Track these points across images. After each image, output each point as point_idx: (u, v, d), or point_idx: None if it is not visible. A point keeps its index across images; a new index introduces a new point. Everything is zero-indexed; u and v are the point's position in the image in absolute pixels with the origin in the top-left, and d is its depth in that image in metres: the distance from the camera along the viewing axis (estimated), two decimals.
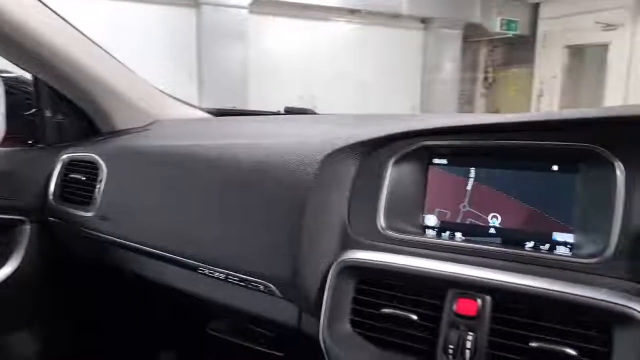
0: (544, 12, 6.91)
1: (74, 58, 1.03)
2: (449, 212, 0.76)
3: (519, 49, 7.26)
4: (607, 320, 0.54)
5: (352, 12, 6.15)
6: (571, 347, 0.54)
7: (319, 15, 5.98)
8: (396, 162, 0.76)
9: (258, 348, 0.85)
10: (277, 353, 0.84)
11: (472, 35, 7.09)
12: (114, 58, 1.15)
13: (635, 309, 0.53)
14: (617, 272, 0.57)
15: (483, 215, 0.73)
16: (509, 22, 6.93)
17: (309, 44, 5.95)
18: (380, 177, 0.75)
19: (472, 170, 0.75)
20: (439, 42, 6.68)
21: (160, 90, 1.29)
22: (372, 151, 0.78)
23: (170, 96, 1.31)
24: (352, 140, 0.77)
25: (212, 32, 5.22)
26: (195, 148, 0.90)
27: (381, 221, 0.73)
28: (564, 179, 0.68)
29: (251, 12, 5.38)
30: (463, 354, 0.58)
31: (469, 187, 0.75)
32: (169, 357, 1.06)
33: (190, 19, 5.25)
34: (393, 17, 6.36)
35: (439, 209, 0.76)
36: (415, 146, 0.75)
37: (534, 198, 0.70)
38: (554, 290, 0.57)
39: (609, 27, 5.83)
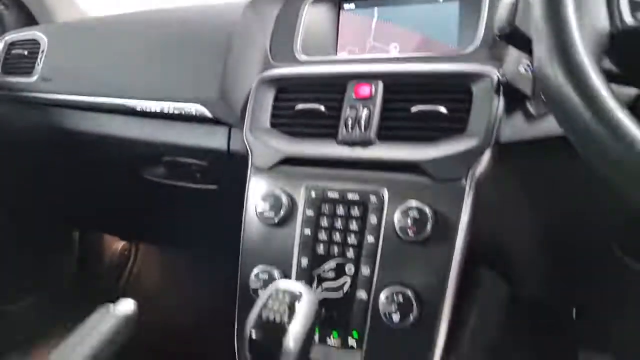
0: None
1: None
2: (358, 48, 0.88)
3: None
4: (468, 82, 0.67)
5: None
6: (442, 106, 0.68)
7: None
8: (311, 5, 0.88)
9: (193, 186, 0.94)
10: (211, 187, 0.94)
11: None
12: None
13: (486, 69, 0.67)
14: (480, 56, 0.71)
15: (385, 47, 0.86)
16: None
17: None
18: (297, 17, 0.87)
19: (376, 10, 0.87)
20: None
21: None
22: None
23: None
24: None
25: None
26: (128, 15, 1.00)
27: (298, 50, 0.84)
28: (448, 8, 0.82)
29: None
30: (359, 125, 0.71)
31: (373, 25, 0.87)
32: (111, 207, 1.14)
33: None
34: None
35: (349, 47, 0.89)
36: None
37: (425, 27, 0.84)
38: (429, 69, 0.71)
39: None
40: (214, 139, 0.86)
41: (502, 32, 0.58)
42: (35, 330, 1.15)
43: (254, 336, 0.45)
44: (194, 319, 1.26)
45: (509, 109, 0.67)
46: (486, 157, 0.65)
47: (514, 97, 0.66)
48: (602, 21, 0.43)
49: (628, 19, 0.42)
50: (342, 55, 0.88)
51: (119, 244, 1.34)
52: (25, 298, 1.24)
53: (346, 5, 0.89)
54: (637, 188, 0.38)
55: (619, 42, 0.43)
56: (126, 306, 0.46)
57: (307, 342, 0.46)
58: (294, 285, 0.49)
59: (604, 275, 0.86)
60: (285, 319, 0.45)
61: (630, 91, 0.58)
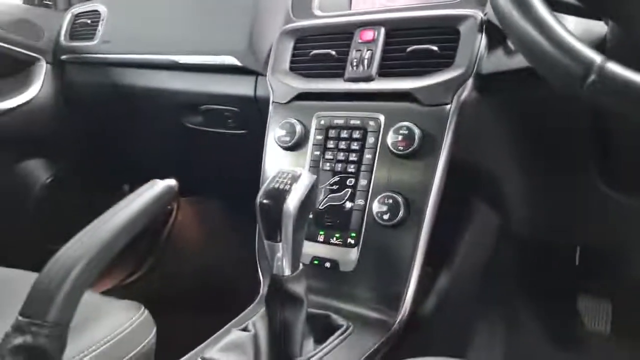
0: None
1: None
2: (370, 3, 1.00)
3: None
4: (456, 24, 0.78)
5: None
6: (434, 45, 0.79)
7: None
8: None
9: (226, 131, 1.09)
10: (241, 131, 1.08)
11: None
12: None
13: (471, 11, 0.77)
14: (469, 2, 0.82)
15: (393, 3, 0.98)
16: None
17: None
18: None
19: None
20: None
21: None
22: None
23: None
24: None
25: None
26: None
27: (315, 7, 0.97)
28: None
29: None
30: (363, 63, 0.83)
31: None
32: (157, 159, 1.31)
33: None
34: None
35: (361, 5, 1.01)
36: None
37: None
38: (424, 14, 0.82)
39: None
40: (243, 87, 1.01)
41: None
42: None
43: (263, 201, 0.58)
44: (230, 268, 1.41)
45: (491, 45, 0.77)
46: (469, 84, 0.75)
47: (495, 35, 0.76)
48: None
49: None
50: (353, 9, 1.00)
51: None
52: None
53: None
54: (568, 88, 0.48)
55: None
56: (169, 182, 0.59)
57: (304, 207, 0.59)
58: (296, 168, 0.62)
59: (591, 210, 0.94)
60: (287, 188, 0.58)
61: (600, 30, 0.66)
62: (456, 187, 0.76)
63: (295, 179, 0.60)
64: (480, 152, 0.86)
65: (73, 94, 1.30)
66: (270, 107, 0.90)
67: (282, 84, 0.89)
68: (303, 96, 0.87)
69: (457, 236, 0.91)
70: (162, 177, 1.40)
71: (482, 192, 0.92)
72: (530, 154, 0.87)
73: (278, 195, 0.58)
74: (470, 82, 0.75)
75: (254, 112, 1.01)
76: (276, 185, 0.59)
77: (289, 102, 0.88)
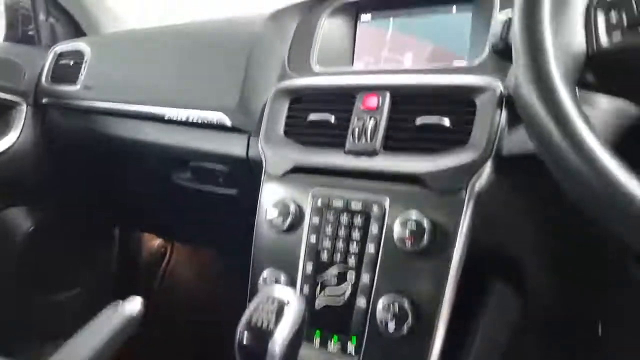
0: None
1: None
2: (373, 58, 0.90)
3: None
4: (472, 95, 0.68)
5: None
6: (446, 118, 0.69)
7: None
8: (329, 17, 0.91)
9: (216, 189, 1.00)
10: (231, 191, 0.99)
11: None
12: None
13: (489, 82, 0.67)
14: (487, 68, 0.72)
15: (399, 57, 0.88)
16: None
17: None
18: (315, 29, 0.90)
19: (391, 21, 0.89)
20: None
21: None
22: (309, 9, 0.93)
23: None
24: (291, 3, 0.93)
25: None
26: (160, 29, 1.07)
27: (314, 61, 0.88)
28: (460, 18, 0.83)
29: None
30: (366, 135, 0.73)
31: (388, 36, 0.89)
32: (147, 207, 1.23)
33: None
34: None
35: (365, 57, 0.91)
36: (342, 2, 0.90)
37: (438, 37, 0.85)
38: (435, 82, 0.72)
39: None
40: (235, 146, 0.91)
41: (495, 47, 0.59)
42: (79, 320, 1.26)
43: (243, 340, 0.49)
44: (219, 313, 1.33)
45: (512, 122, 0.67)
46: (487, 169, 0.66)
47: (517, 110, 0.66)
48: (578, 42, 0.44)
49: (604, 40, 0.43)
50: (355, 66, 0.90)
51: (156, 241, 1.43)
52: (71, 289, 1.35)
53: (363, 17, 0.92)
54: (594, 206, 0.39)
55: (595, 62, 0.44)
56: (133, 305, 0.50)
57: (292, 347, 0.49)
58: (283, 292, 0.52)
59: (621, 290, 0.84)
60: (272, 324, 0.49)
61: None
62: (470, 273, 0.67)
63: (281, 310, 0.50)
64: (502, 237, 0.76)
65: (55, 139, 1.21)
66: (263, 178, 0.80)
67: (275, 153, 0.80)
68: (299, 168, 0.77)
69: (473, 331, 0.81)
70: (151, 223, 1.30)
71: (500, 274, 0.82)
72: (559, 239, 0.77)
73: (261, 335, 0.48)
74: (488, 165, 0.66)
75: (245, 172, 0.92)
76: (259, 321, 0.49)
77: (284, 174, 0.78)
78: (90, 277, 1.40)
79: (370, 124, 0.73)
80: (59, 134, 1.20)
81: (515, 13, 0.45)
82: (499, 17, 0.56)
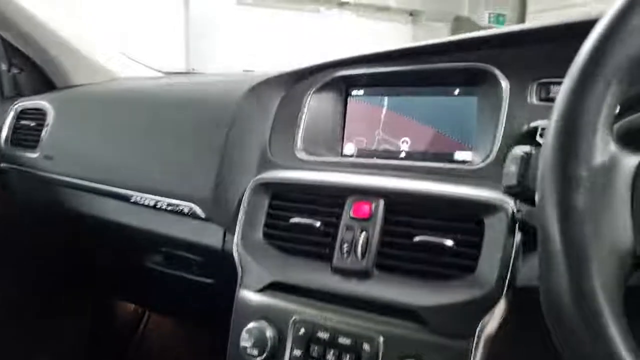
0: (531, 5, 6.96)
1: (34, 15, 1.08)
2: (365, 139, 0.80)
3: None
4: (480, 213, 0.58)
5: (342, 4, 6.19)
6: (449, 238, 0.59)
7: (308, 7, 6.02)
8: (316, 93, 0.80)
9: (191, 277, 0.89)
10: (207, 280, 0.88)
11: (461, 29, 7.13)
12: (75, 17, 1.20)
13: (500, 200, 0.57)
14: (496, 175, 0.62)
15: (395, 141, 0.78)
16: (497, 16, 6.98)
17: (297, 37, 5.98)
18: (300, 107, 0.80)
19: (386, 99, 0.79)
20: (428, 35, 6.72)
21: (119, 52, 1.33)
22: (295, 83, 0.82)
23: (130, 57, 1.36)
24: (273, 75, 0.82)
25: (201, 23, 5.25)
26: (130, 92, 0.96)
27: (299, 147, 0.77)
28: (465, 102, 0.73)
29: (239, 2, 5.42)
30: (356, 251, 0.63)
31: (382, 115, 0.79)
32: (118, 279, 1.11)
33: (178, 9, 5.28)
34: (382, 10, 6.41)
35: (356, 137, 0.81)
36: (332, 76, 0.79)
37: (439, 122, 0.75)
38: (437, 191, 0.62)
39: None
40: (209, 236, 0.80)
41: (510, 189, 0.49)
42: None
43: None
44: None
45: (529, 246, 0.57)
46: (500, 309, 0.55)
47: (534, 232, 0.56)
48: (625, 237, 0.34)
49: None
50: (346, 149, 0.80)
51: (131, 309, 1.32)
52: (42, 358, 1.24)
53: (354, 92, 0.82)
54: None
55: None
56: None
57: None
58: None
59: None
60: None
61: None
62: None
63: None
64: None
65: (16, 207, 1.10)
66: (237, 291, 0.70)
67: (253, 262, 0.69)
68: (279, 285, 0.67)
69: None
70: (124, 293, 1.18)
71: None
72: None
73: None
74: (501, 303, 0.55)
75: (222, 263, 0.81)
76: None
77: (261, 289, 0.68)
78: (61, 347, 1.28)
79: (361, 237, 0.63)
80: (20, 202, 1.09)
81: (541, 189, 0.35)
82: (514, 152, 0.47)
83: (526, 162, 0.45)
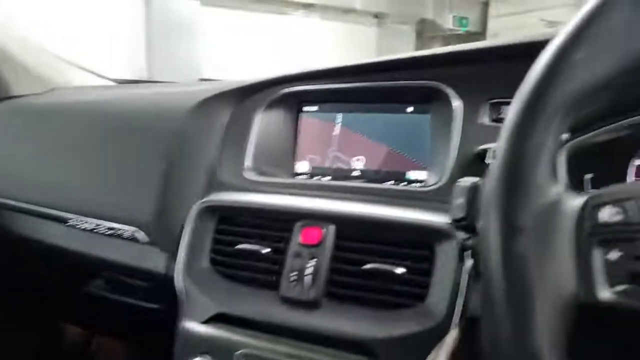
0: (493, 10, 7.12)
1: None
2: (319, 157, 0.77)
3: None
4: (432, 240, 0.56)
5: (307, 6, 6.17)
6: (399, 266, 0.57)
7: (273, 9, 5.97)
8: (267, 109, 0.77)
9: (135, 302, 0.84)
10: (153, 305, 0.83)
11: (426, 31, 7.23)
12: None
13: (451, 226, 0.55)
14: (449, 198, 0.60)
15: (349, 159, 0.75)
16: (461, 18, 7.11)
17: (262, 38, 5.92)
18: (249, 124, 0.76)
19: (340, 116, 0.76)
20: (392, 37, 6.78)
21: (65, 60, 1.26)
22: (245, 99, 0.79)
23: (76, 65, 1.28)
24: (222, 89, 0.78)
25: (163, 24, 5.11)
26: (70, 105, 0.90)
27: (248, 167, 0.74)
28: (418, 120, 0.71)
29: (203, 4, 5.32)
30: (304, 280, 0.60)
31: (336, 133, 0.76)
32: (63, 302, 1.04)
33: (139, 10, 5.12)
34: (347, 12, 6.42)
35: (309, 156, 0.78)
36: (282, 92, 0.76)
37: (393, 140, 0.73)
38: (388, 216, 0.59)
39: (552, 24, 6.05)
40: (153, 261, 0.75)
41: (457, 222, 0.47)
42: None
43: None
44: None
45: (479, 276, 0.55)
46: (451, 339, 0.53)
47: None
48: (570, 284, 0.32)
49: (602, 290, 0.31)
50: (298, 166, 0.77)
51: (79, 331, 1.25)
52: None
53: (306, 108, 0.79)
54: None
55: (591, 316, 0.32)
56: None
57: None
58: None
59: None
60: None
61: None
62: None
63: None
64: None
65: None
66: (179, 323, 0.66)
67: (197, 290, 0.65)
68: (224, 316, 0.63)
69: None
70: (69, 316, 1.10)
71: None
72: None
73: None
74: (453, 334, 0.53)
75: (166, 290, 0.77)
76: None
77: (205, 321, 0.64)
78: None
79: (310, 265, 0.60)
80: None
81: (484, 235, 0.33)
82: (462, 183, 0.44)
83: (474, 193, 0.43)
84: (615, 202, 0.32)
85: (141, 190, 0.75)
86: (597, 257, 0.31)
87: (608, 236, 0.32)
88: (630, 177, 0.60)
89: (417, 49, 7.02)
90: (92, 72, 1.30)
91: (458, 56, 0.67)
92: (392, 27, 6.73)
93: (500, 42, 0.65)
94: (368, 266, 0.58)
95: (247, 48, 5.74)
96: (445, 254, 0.55)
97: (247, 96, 0.78)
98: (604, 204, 0.32)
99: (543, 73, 0.32)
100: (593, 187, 0.61)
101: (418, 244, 0.57)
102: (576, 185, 0.61)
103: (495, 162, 0.34)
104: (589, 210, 0.33)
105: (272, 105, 0.77)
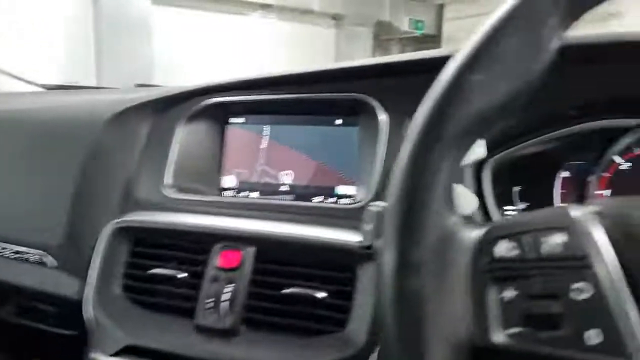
0: (447, 13, 7.26)
1: None
2: (246, 171, 0.73)
3: (427, 48, 7.57)
4: (351, 261, 0.54)
5: (264, 6, 6.10)
6: (321, 290, 0.54)
7: (229, 9, 5.86)
8: (190, 121, 0.73)
9: (48, 329, 0.78)
10: (67, 332, 0.77)
11: (383, 33, 7.29)
12: None
13: (372, 248, 0.53)
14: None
15: (277, 173, 0.72)
16: (417, 21, 7.21)
17: (218, 39, 5.81)
18: (170, 137, 0.71)
19: (267, 128, 0.73)
20: (350, 39, 6.81)
21: None
22: (166, 110, 0.74)
23: (1, 70, 1.20)
24: (143, 99, 0.73)
25: (113, 23, 4.91)
26: None
27: (168, 183, 0.69)
28: (347, 132, 0.68)
29: (154, 3, 5.16)
30: (219, 307, 0.56)
31: (264, 146, 0.73)
32: None
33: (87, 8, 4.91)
34: (305, 13, 6.39)
35: (237, 170, 0.74)
36: (207, 103, 0.72)
37: (321, 153, 0.70)
38: (308, 236, 0.56)
39: None
40: (65, 286, 0.69)
41: (367, 250, 0.45)
42: None
43: None
44: None
45: None
46: None
47: None
48: (462, 326, 0.30)
49: (495, 334, 0.29)
50: (225, 181, 0.73)
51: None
52: None
53: (233, 119, 0.75)
54: None
55: (484, 358, 0.30)
56: None
57: None
58: None
59: None
60: None
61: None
62: None
63: None
64: None
65: None
66: (86, 355, 0.60)
67: (107, 319, 0.60)
68: (134, 349, 0.58)
69: None
70: None
71: None
72: None
73: None
74: None
75: (81, 315, 0.71)
76: None
77: (115, 354, 0.59)
78: None
79: (227, 291, 0.56)
80: None
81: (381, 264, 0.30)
82: (371, 208, 0.42)
83: (382, 220, 0.41)
84: (511, 235, 0.30)
85: (50, 210, 0.69)
86: (492, 296, 0.29)
87: (503, 273, 0.30)
88: (557, 189, 0.59)
89: (374, 51, 7.09)
90: (20, 78, 1.21)
91: (385, 68, 0.65)
92: (349, 29, 6.75)
93: (426, 55, 0.63)
94: (288, 290, 0.55)
95: (203, 49, 5.61)
96: (367, 277, 0.52)
97: (169, 107, 0.73)
98: (501, 237, 0.30)
99: (436, 100, 0.30)
100: (521, 200, 0.60)
101: (339, 266, 0.54)
102: (505, 198, 0.60)
103: (390, 193, 0.31)
104: (485, 244, 0.30)
105: (196, 116, 0.73)
